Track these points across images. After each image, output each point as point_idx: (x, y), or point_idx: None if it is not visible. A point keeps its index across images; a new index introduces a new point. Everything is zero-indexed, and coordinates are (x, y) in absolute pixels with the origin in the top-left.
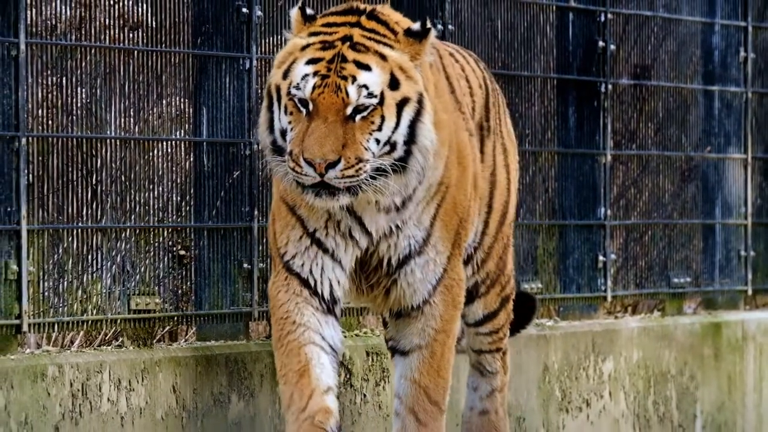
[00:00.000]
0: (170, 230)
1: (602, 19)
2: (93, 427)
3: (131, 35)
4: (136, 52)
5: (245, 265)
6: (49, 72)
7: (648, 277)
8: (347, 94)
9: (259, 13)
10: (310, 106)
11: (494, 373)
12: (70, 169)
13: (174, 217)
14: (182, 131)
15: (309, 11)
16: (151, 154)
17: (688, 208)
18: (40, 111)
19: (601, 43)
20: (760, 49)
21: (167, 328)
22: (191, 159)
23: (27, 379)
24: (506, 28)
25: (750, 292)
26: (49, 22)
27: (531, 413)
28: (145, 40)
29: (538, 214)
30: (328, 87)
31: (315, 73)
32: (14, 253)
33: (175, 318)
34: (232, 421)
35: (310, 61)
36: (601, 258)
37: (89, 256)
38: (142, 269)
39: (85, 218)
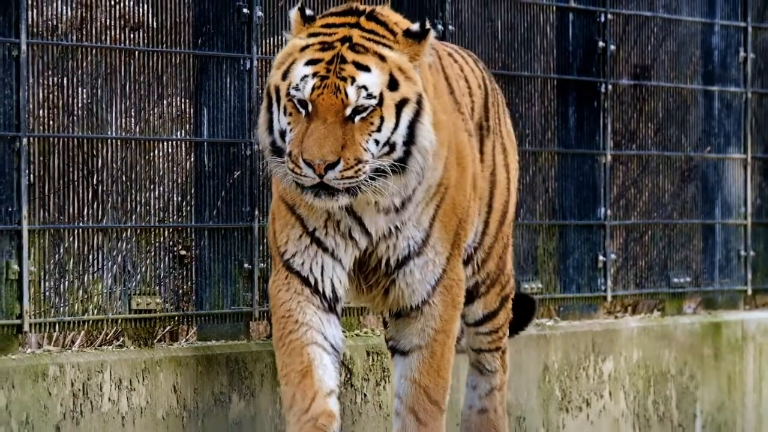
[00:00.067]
0: (171, 230)
1: (602, 19)
2: (94, 427)
3: (132, 36)
4: (137, 52)
5: (246, 265)
6: (50, 72)
7: (648, 277)
8: (346, 95)
9: (260, 13)
10: (310, 107)
11: (493, 372)
12: (71, 169)
13: (175, 217)
14: (183, 131)
15: (308, 12)
16: (152, 154)
17: (688, 208)
18: (41, 111)
19: (601, 44)
20: (759, 50)
21: (168, 327)
22: (192, 159)
23: (28, 378)
24: (506, 28)
25: (750, 292)
26: (50, 22)
27: (531, 413)
28: (146, 41)
29: (538, 214)
30: (327, 88)
31: (314, 74)
32: (15, 253)
33: (176, 318)
34: (232, 421)
35: (310, 62)
36: (601, 258)
37: (90, 256)
38: (143, 269)
39: (86, 218)
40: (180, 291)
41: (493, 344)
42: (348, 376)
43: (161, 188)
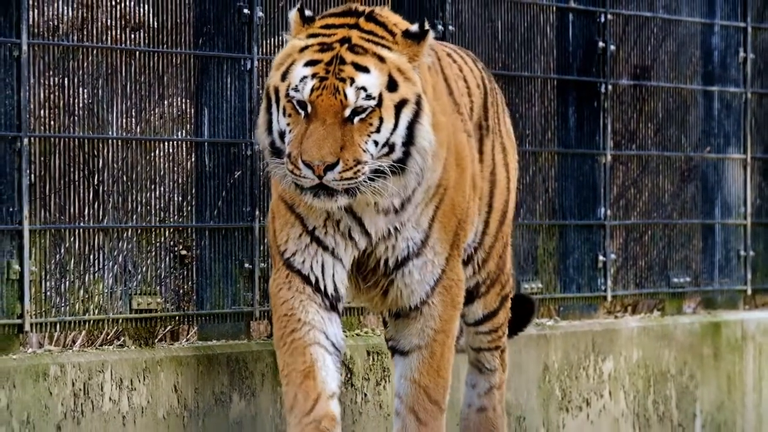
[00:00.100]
0: (172, 230)
1: (602, 19)
2: (95, 427)
3: (133, 36)
4: (137, 52)
5: (246, 265)
6: (51, 72)
7: (648, 276)
8: (345, 96)
9: (261, 13)
10: (309, 109)
11: (493, 371)
12: (72, 169)
13: (175, 217)
14: (184, 131)
15: (308, 13)
16: (152, 154)
17: (687, 208)
18: (42, 111)
19: (601, 44)
20: (759, 50)
21: (169, 327)
22: (193, 159)
23: (29, 378)
24: (506, 28)
25: (749, 292)
26: (51, 22)
27: (531, 412)
28: (146, 41)
29: (539, 214)
30: (326, 89)
31: (313, 75)
32: (16, 253)
33: (177, 318)
34: (233, 421)
35: (309, 63)
36: (601, 258)
37: (91, 256)
38: (144, 269)
39: (86, 218)
40: (181, 291)
41: (493, 343)
42: (348, 375)
43: (162, 188)
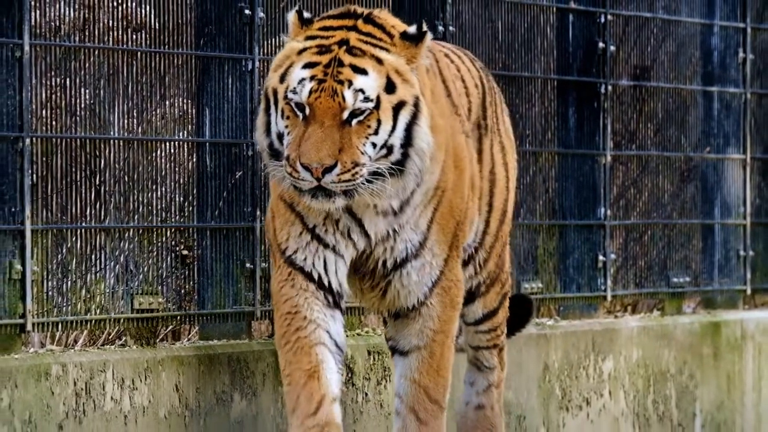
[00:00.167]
0: (173, 230)
1: (602, 20)
2: (96, 426)
3: (134, 36)
4: (139, 53)
5: (248, 265)
6: (52, 73)
7: (647, 276)
8: (343, 98)
9: (262, 14)
10: (307, 111)
11: (491, 369)
12: (73, 169)
13: (177, 217)
14: (185, 132)
15: (306, 14)
16: (154, 154)
17: (687, 208)
18: (43, 112)
19: (601, 45)
20: (758, 50)
21: (170, 327)
22: (194, 159)
23: (31, 378)
24: (507, 29)
25: (749, 292)
26: (52, 23)
27: (531, 412)
28: (148, 42)
29: (539, 214)
30: (324, 91)
31: (311, 78)
32: (18, 253)
33: (178, 317)
34: (234, 420)
35: (307, 65)
36: (601, 258)
37: (93, 256)
38: (146, 269)
39: (88, 218)
40: (182, 291)
41: (492, 342)
42: (349, 375)
43: (163, 188)
